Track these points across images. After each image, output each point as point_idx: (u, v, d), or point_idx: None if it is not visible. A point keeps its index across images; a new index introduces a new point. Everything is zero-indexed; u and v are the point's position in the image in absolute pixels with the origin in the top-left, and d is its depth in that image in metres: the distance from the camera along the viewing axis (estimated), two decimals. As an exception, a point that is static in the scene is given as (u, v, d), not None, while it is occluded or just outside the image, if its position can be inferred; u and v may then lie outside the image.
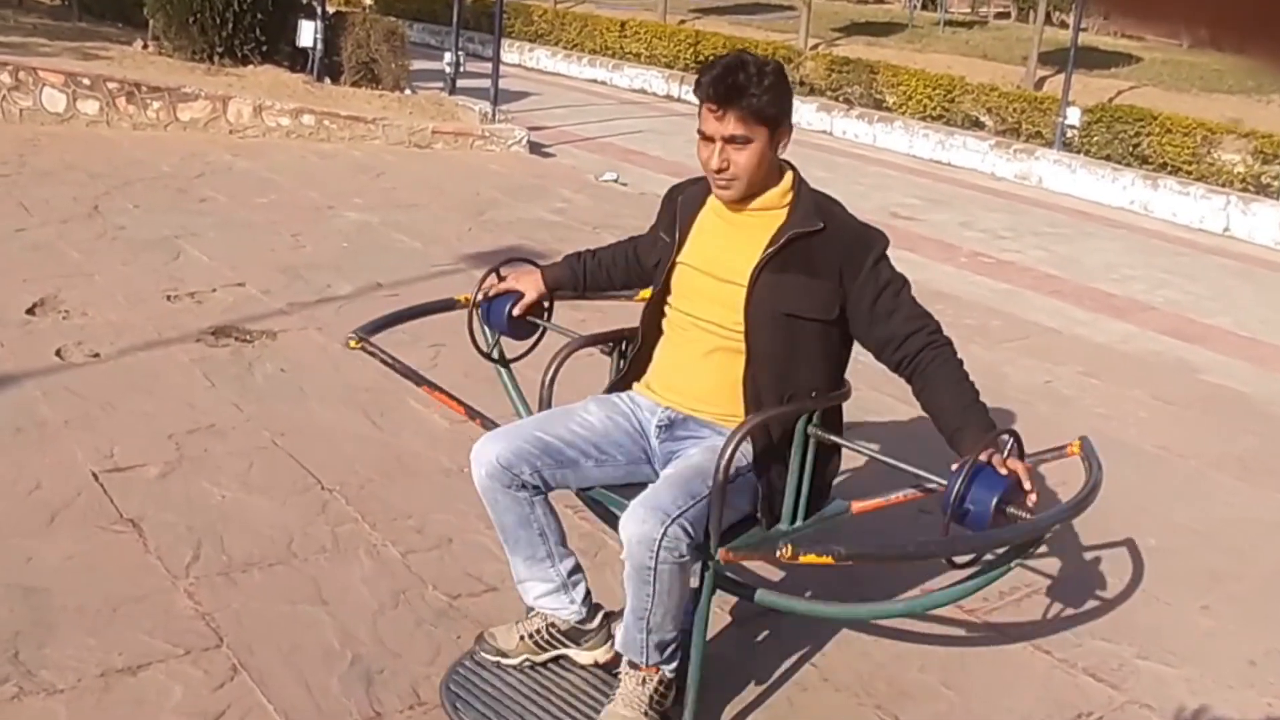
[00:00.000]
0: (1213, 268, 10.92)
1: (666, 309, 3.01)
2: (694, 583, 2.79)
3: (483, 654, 3.09)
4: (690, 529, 2.61)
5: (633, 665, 2.85)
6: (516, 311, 3.31)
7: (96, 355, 5.10)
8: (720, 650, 3.26)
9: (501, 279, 3.38)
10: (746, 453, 2.82)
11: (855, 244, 2.85)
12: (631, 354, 3.14)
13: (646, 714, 2.82)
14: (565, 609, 3.03)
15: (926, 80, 16.80)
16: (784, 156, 2.90)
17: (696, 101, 2.82)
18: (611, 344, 3.31)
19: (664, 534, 2.57)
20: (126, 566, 3.46)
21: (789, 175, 2.90)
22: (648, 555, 2.59)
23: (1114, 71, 17.76)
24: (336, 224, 7.97)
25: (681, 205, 3.03)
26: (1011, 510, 2.51)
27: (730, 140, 2.76)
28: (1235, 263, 11.32)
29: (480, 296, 3.35)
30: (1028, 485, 2.55)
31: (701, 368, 2.93)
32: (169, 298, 5.95)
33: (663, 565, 2.60)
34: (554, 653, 3.09)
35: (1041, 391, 6.04)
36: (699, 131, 2.82)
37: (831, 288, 2.82)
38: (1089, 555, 4.23)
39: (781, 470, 2.87)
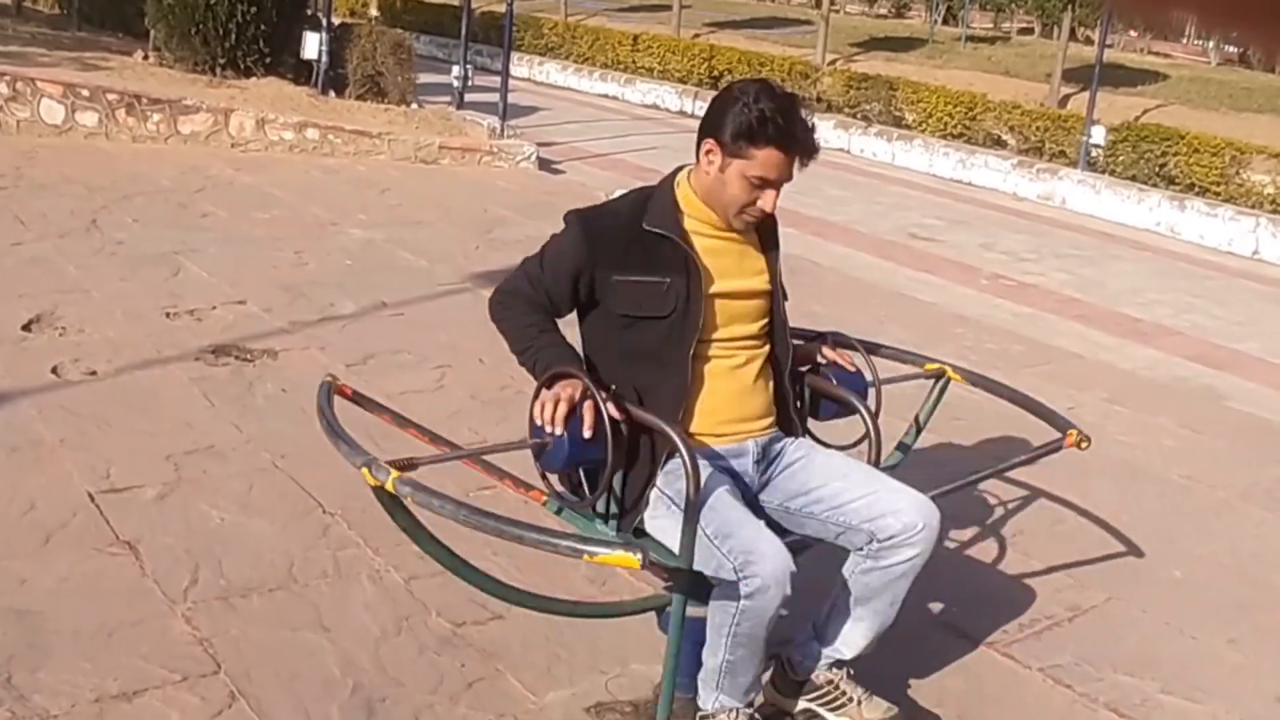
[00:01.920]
0: (1241, 292, 10.91)
1: (702, 346, 2.94)
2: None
3: None
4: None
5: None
6: (589, 431, 2.72)
7: (93, 373, 5.13)
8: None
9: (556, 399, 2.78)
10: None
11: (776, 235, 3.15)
12: (685, 404, 2.94)
13: None
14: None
15: (947, 97, 16.83)
16: None
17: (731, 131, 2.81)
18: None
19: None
20: (123, 590, 3.48)
21: None
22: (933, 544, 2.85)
23: (1140, 89, 17.77)
24: (340, 241, 8.01)
25: (652, 238, 2.90)
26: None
27: (781, 184, 2.87)
28: (1265, 287, 11.31)
29: (557, 430, 2.71)
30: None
31: (759, 386, 3.03)
32: (168, 315, 5.99)
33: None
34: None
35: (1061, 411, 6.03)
36: (758, 177, 2.82)
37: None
38: (1111, 586, 4.23)
39: None
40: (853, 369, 3.27)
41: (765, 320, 3.06)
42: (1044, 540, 4.56)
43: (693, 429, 2.92)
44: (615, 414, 2.72)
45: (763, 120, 2.75)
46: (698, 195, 2.93)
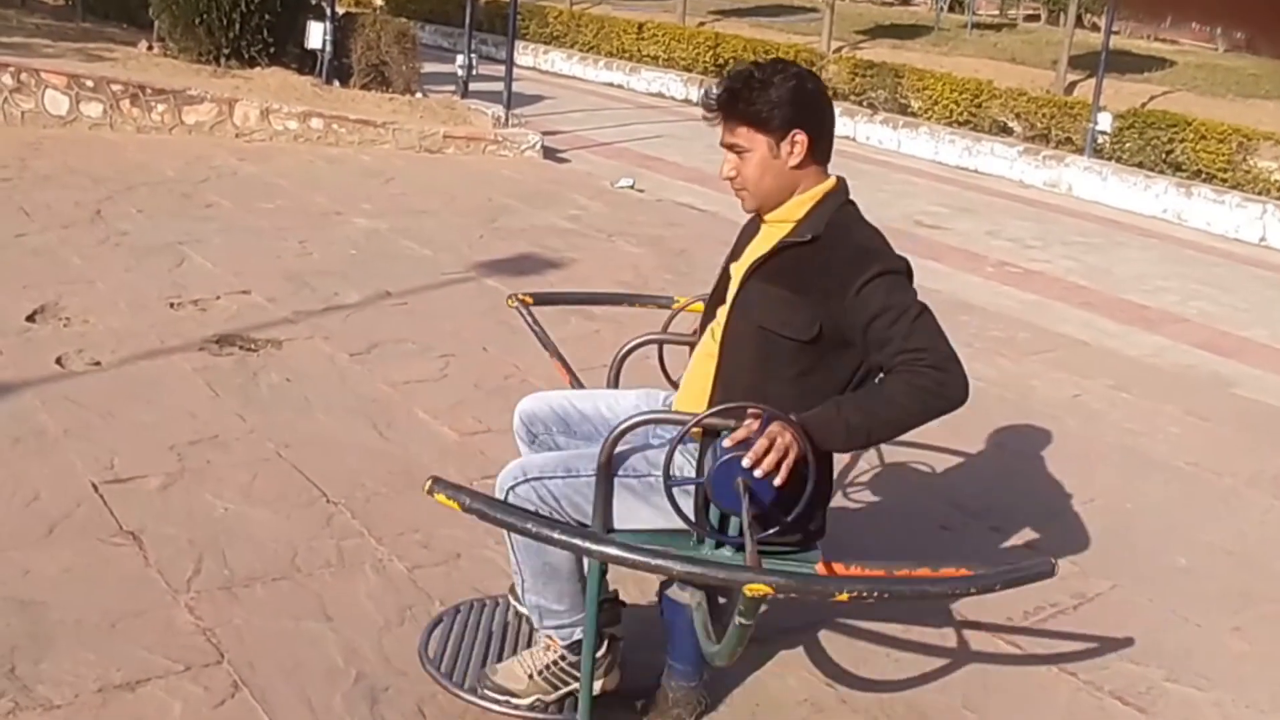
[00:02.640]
0: (1248, 279, 10.89)
1: (712, 319, 3.03)
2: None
3: (487, 692, 3.06)
4: (550, 498, 2.77)
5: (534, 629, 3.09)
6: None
7: (97, 364, 5.13)
8: (734, 668, 3.26)
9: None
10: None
11: (847, 262, 2.69)
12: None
13: (533, 678, 3.02)
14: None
15: (953, 84, 16.80)
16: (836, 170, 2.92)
17: None
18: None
19: (510, 489, 2.77)
20: (126, 580, 3.48)
21: (822, 186, 2.85)
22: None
23: (1147, 76, 17.73)
24: (344, 230, 8.01)
25: (749, 221, 3.07)
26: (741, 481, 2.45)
27: (731, 149, 2.85)
28: (1272, 273, 11.28)
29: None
30: (752, 456, 2.44)
31: (697, 371, 2.97)
32: (172, 305, 5.99)
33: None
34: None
35: (1070, 406, 6.03)
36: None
37: (814, 308, 2.70)
38: (1116, 574, 4.22)
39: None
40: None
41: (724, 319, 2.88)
42: (1048, 527, 4.55)
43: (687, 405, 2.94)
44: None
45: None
46: None
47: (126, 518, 3.83)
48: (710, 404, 2.76)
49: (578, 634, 2.93)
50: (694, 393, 2.90)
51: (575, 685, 2.97)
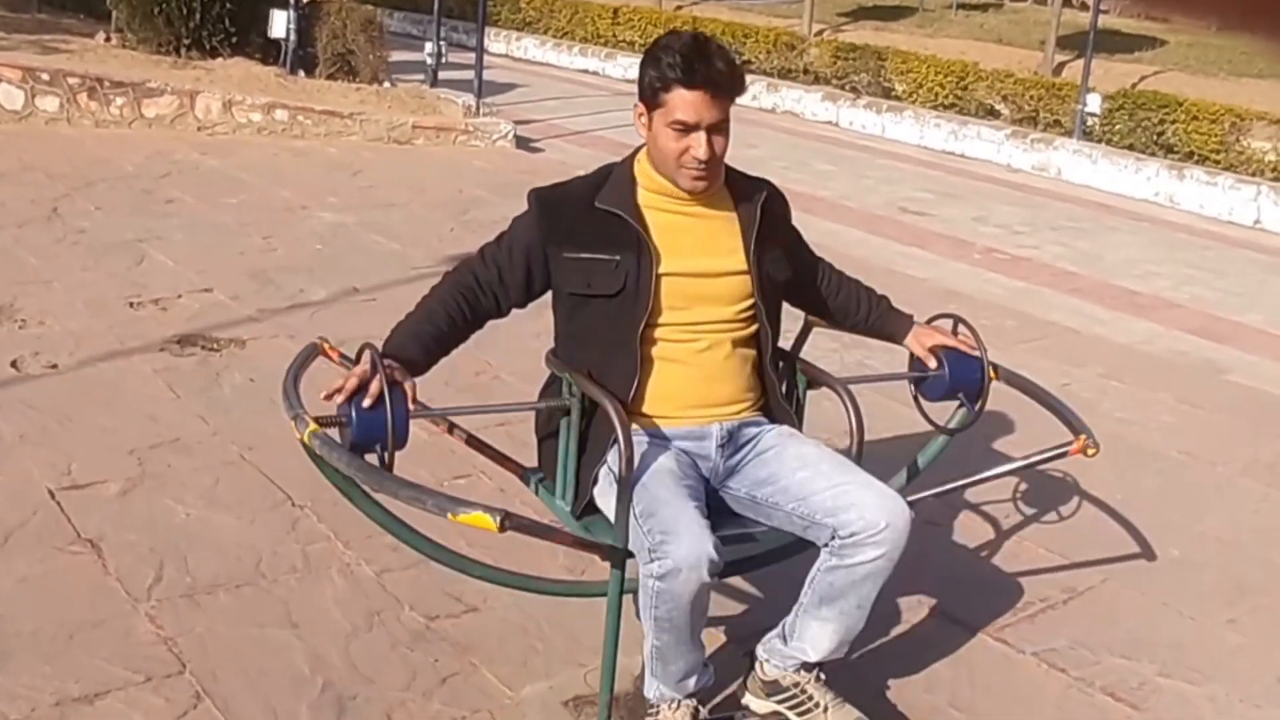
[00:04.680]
0: (1242, 262, 10.92)
1: (654, 329, 2.91)
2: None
3: None
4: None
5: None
6: (411, 407, 2.78)
7: (54, 366, 5.10)
8: (719, 669, 3.26)
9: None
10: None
11: (784, 200, 3.18)
12: (634, 389, 2.92)
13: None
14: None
15: (938, 67, 16.82)
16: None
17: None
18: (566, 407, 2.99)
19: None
20: (84, 589, 3.47)
21: None
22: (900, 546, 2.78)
23: (1137, 56, 17.76)
24: (310, 225, 7.98)
25: (603, 215, 2.91)
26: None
27: (714, 127, 2.80)
28: (1266, 257, 11.32)
29: (354, 408, 2.73)
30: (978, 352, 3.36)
31: (728, 370, 2.97)
32: (131, 305, 5.96)
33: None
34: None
35: (1059, 395, 6.03)
36: (676, 122, 2.79)
37: (786, 246, 3.12)
38: (1107, 567, 4.24)
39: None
40: (973, 352, 3.39)
41: (745, 303, 2.96)
42: (1038, 521, 4.56)
43: (646, 410, 2.92)
44: (397, 382, 2.74)
45: (671, 65, 2.77)
46: (653, 166, 2.92)
47: (85, 525, 3.81)
48: (764, 377, 3.06)
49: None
50: (745, 383, 3.03)
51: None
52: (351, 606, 3.51)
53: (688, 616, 2.68)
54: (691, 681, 2.89)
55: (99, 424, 4.59)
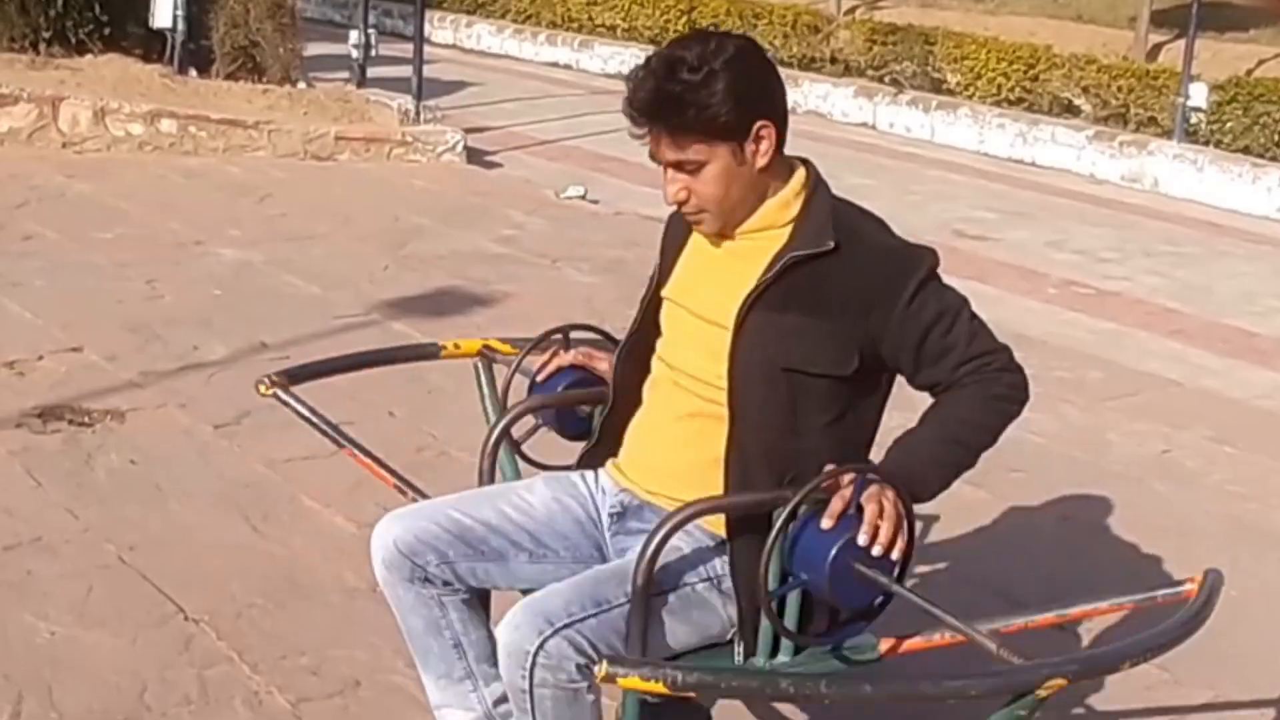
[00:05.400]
0: (1389, 295, 10.96)
1: (639, 348, 3.10)
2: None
3: None
4: (587, 645, 2.61)
5: None
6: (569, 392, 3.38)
7: (-118, 449, 5.14)
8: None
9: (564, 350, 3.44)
10: (717, 560, 2.84)
11: (885, 270, 2.83)
12: (602, 417, 3.19)
13: None
14: None
15: (1001, 52, 16.89)
16: (796, 153, 2.93)
17: None
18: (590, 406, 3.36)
19: (539, 647, 2.59)
20: (-79, 730, 3.49)
21: (797, 178, 2.90)
22: (519, 674, 2.62)
23: (1253, 34, 17.85)
24: (206, 265, 8.03)
25: (674, 223, 3.10)
26: (861, 569, 2.60)
27: (677, 167, 2.82)
28: None
29: (542, 372, 3.40)
30: (867, 533, 2.58)
31: (672, 437, 2.93)
32: (-21, 370, 6.01)
33: (540, 689, 2.62)
34: None
35: (1157, 465, 6.09)
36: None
37: (848, 332, 2.79)
38: (1219, 682, 4.25)
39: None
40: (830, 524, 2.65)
41: (722, 366, 2.84)
42: (1129, 624, 4.58)
43: (614, 444, 3.09)
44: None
45: (626, 82, 2.86)
46: None
47: (-78, 649, 3.84)
48: (729, 471, 2.80)
49: None
50: (687, 463, 2.90)
51: None
52: (261, 746, 3.54)
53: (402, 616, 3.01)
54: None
55: (-61, 521, 4.62)
